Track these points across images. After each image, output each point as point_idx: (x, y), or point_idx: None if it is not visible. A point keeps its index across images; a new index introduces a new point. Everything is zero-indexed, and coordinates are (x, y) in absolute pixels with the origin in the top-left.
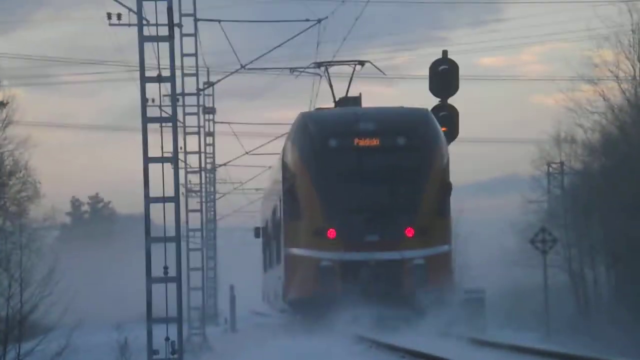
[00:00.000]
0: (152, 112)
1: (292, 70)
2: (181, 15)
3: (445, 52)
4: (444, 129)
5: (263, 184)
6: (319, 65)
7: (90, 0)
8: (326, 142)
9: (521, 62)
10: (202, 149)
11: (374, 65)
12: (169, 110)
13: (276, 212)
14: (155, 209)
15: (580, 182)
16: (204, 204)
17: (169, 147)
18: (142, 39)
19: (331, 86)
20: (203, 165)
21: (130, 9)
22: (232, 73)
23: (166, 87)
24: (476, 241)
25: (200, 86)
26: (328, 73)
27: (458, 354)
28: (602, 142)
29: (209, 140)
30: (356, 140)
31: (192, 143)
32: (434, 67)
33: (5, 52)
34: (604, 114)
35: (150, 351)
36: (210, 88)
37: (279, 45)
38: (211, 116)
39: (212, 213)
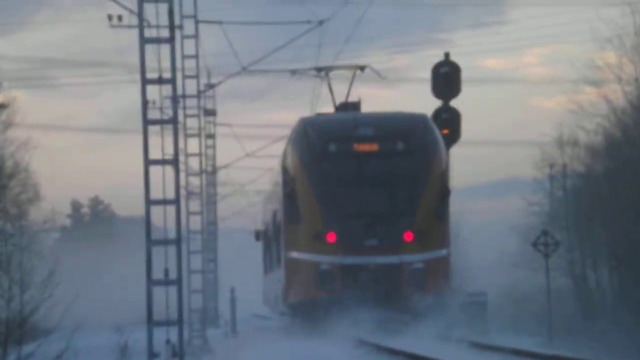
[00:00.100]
0: (153, 114)
1: (293, 72)
2: (182, 16)
3: (447, 54)
4: (445, 131)
5: (264, 186)
6: (319, 70)
7: (91, 2)
8: (326, 147)
9: (523, 64)
10: (203, 151)
11: (373, 70)
12: (169, 112)
13: (276, 216)
14: (156, 212)
15: (583, 184)
16: (204, 207)
17: (169, 150)
18: (143, 41)
19: (331, 91)
20: (204, 167)
21: (131, 11)
22: (233, 75)
23: (167, 89)
24: (477, 243)
25: (201, 88)
26: (328, 78)
27: (459, 358)
28: (605, 145)
29: (210, 142)
30: (355, 145)
31: (193, 145)
32: (436, 69)
33: (6, 54)
34: (607, 116)
35: (151, 354)
36: (211, 90)
37: (281, 47)
38: (212, 118)
39: (213, 215)
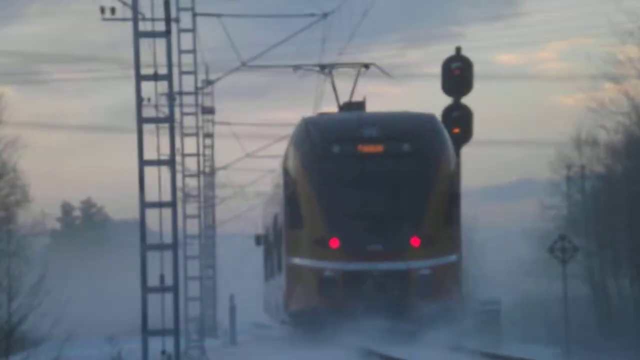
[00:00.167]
0: (148, 112)
1: (295, 68)
2: (179, 9)
3: (458, 49)
4: (456, 130)
5: (264, 189)
6: (322, 67)
7: None
8: (329, 148)
9: (540, 60)
10: (201, 151)
11: (378, 68)
12: (165, 110)
13: (277, 220)
14: (151, 215)
15: (602, 186)
16: (202, 210)
17: (165, 149)
18: (138, 35)
19: (335, 90)
20: (201, 168)
21: (124, 3)
22: (232, 71)
23: (163, 86)
24: (491, 249)
25: (199, 85)
26: (332, 75)
27: None
28: (626, 144)
29: (208, 142)
30: (360, 147)
31: (190, 145)
32: (447, 64)
33: None
34: (628, 114)
35: None
36: (210, 87)
37: (282, 42)
38: (210, 116)
39: (211, 219)
